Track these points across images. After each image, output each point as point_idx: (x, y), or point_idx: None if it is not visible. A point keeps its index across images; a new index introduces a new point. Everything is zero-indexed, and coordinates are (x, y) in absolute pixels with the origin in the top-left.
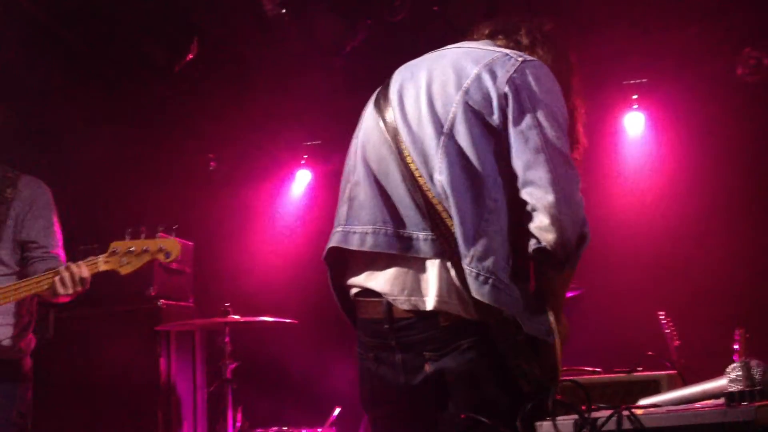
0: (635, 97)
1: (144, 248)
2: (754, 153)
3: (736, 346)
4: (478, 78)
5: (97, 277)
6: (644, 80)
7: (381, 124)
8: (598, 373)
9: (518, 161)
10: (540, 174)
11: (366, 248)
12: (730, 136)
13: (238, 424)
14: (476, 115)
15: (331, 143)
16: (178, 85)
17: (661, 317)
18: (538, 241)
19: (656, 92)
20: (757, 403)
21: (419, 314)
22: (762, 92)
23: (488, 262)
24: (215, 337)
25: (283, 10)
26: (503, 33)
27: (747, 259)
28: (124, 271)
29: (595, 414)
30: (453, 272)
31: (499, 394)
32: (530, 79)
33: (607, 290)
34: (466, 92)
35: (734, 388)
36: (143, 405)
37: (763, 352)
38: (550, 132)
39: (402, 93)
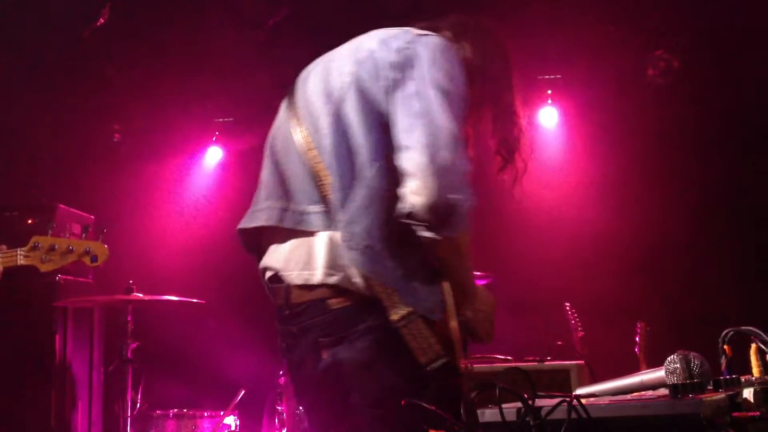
0: (549, 92)
1: (69, 247)
2: (661, 150)
3: (637, 338)
4: (373, 51)
5: None
6: (559, 76)
7: (286, 104)
8: (510, 361)
9: (398, 127)
10: (416, 137)
11: (262, 223)
12: (639, 133)
13: (138, 406)
14: (365, 85)
15: (245, 121)
16: (86, 50)
17: (566, 308)
18: (407, 205)
19: (570, 88)
20: (701, 396)
21: (310, 296)
22: (669, 93)
23: (359, 228)
24: (117, 315)
25: None
26: (429, 28)
27: (651, 252)
28: (45, 268)
29: (539, 402)
30: (340, 243)
31: (398, 381)
32: (422, 50)
33: (516, 280)
34: (360, 63)
35: (672, 380)
36: (37, 383)
37: (661, 344)
38: (434, 100)
39: (309, 72)
